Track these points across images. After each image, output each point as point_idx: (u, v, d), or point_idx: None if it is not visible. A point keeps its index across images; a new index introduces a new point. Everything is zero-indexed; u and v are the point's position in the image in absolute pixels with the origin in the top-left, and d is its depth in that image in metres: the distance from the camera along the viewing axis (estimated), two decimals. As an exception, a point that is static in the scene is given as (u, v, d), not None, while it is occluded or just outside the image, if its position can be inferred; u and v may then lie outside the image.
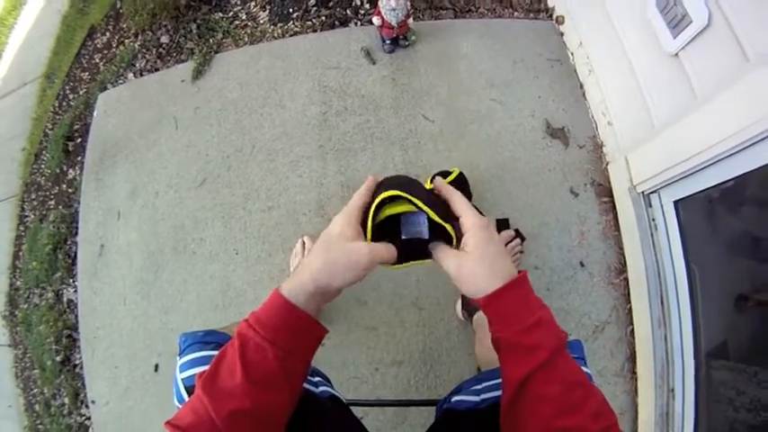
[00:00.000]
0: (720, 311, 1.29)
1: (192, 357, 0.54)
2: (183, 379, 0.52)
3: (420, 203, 0.45)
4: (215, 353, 0.44)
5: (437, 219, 0.46)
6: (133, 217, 1.37)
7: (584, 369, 0.66)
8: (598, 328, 1.20)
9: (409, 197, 0.45)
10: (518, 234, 1.13)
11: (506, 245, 1.08)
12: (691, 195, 1.12)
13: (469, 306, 1.05)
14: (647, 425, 1.15)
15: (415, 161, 1.18)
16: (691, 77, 1.03)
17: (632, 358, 1.20)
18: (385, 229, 0.48)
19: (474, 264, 0.44)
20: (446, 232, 0.47)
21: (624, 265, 1.22)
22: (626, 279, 1.23)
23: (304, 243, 1.13)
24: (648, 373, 1.16)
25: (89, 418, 1.31)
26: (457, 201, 0.48)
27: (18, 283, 1.68)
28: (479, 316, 1.01)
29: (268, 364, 0.42)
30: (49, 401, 1.46)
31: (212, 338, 0.57)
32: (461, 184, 1.08)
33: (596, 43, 1.29)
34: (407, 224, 0.48)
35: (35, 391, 1.53)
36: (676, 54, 1.06)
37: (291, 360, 0.43)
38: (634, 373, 1.20)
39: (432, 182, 0.53)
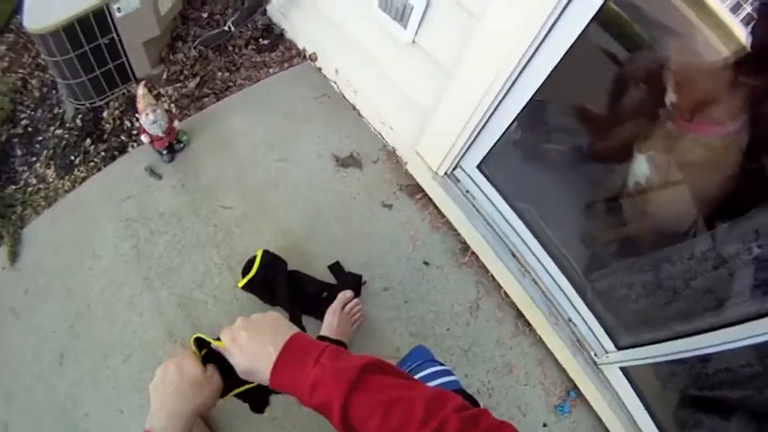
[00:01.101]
0: (571, 231, 1.38)
1: None
2: None
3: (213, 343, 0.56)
4: None
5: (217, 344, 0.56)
6: (17, 423, 1.32)
7: (436, 368, 0.70)
8: (473, 308, 1.24)
9: (206, 338, 0.57)
10: (353, 277, 1.17)
11: (343, 307, 1.09)
12: (487, 154, 1.17)
13: None
14: (567, 359, 1.20)
15: (230, 253, 1.21)
16: (435, 55, 1.08)
17: (519, 314, 1.25)
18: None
19: (243, 371, 0.52)
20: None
21: (465, 242, 1.28)
22: (473, 253, 1.28)
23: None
24: (540, 318, 1.21)
25: None
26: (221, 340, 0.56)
27: None
28: None
29: None
30: None
31: None
32: (269, 261, 1.12)
33: (349, 63, 1.35)
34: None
35: None
36: (413, 41, 1.10)
37: None
38: (529, 325, 1.25)
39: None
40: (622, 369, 1.13)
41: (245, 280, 1.15)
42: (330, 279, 1.19)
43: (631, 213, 1.30)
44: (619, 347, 1.13)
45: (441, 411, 0.40)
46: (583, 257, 1.30)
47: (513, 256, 1.27)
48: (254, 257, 1.15)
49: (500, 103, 1.02)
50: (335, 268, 1.20)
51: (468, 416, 0.40)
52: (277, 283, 1.14)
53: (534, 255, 1.25)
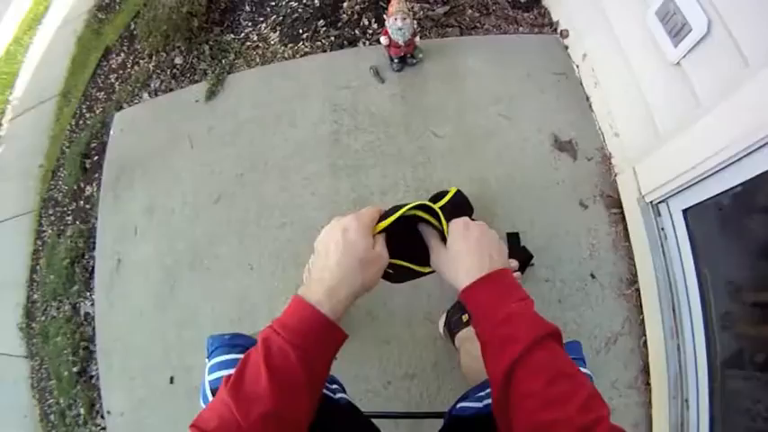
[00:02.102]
0: (734, 319, 1.28)
1: (220, 360, 0.55)
2: (210, 381, 0.54)
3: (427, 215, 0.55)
4: (242, 356, 0.46)
5: (435, 222, 0.55)
6: (150, 233, 1.40)
7: (585, 369, 0.66)
8: (610, 340, 1.20)
9: (428, 204, 0.55)
10: (525, 253, 1.14)
11: None
12: (699, 203, 1.11)
13: (451, 324, 1.06)
14: (662, 436, 1.13)
15: (424, 178, 1.20)
16: (694, 85, 1.03)
17: (645, 369, 1.19)
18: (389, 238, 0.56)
19: (449, 258, 0.52)
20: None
21: (635, 275, 1.22)
22: (637, 290, 1.22)
23: None
24: (662, 383, 1.14)
25: (104, 429, 1.33)
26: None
27: (35, 296, 1.71)
28: (463, 333, 1.02)
29: (291, 367, 0.43)
30: (64, 411, 1.49)
31: (240, 341, 0.58)
32: (459, 202, 1.10)
33: (600, 55, 1.31)
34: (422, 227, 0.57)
35: (51, 401, 1.55)
36: (678, 63, 1.05)
37: (313, 363, 0.45)
38: (647, 384, 1.19)
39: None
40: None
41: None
42: (503, 244, 1.17)
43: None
44: (714, 455, 1.06)
45: (599, 410, 0.41)
46: (731, 348, 1.22)
47: (673, 312, 1.19)
48: (447, 192, 1.13)
49: (739, 159, 0.96)
50: (513, 238, 1.17)
51: (616, 428, 0.40)
52: (457, 225, 1.12)
53: (692, 322, 1.17)
